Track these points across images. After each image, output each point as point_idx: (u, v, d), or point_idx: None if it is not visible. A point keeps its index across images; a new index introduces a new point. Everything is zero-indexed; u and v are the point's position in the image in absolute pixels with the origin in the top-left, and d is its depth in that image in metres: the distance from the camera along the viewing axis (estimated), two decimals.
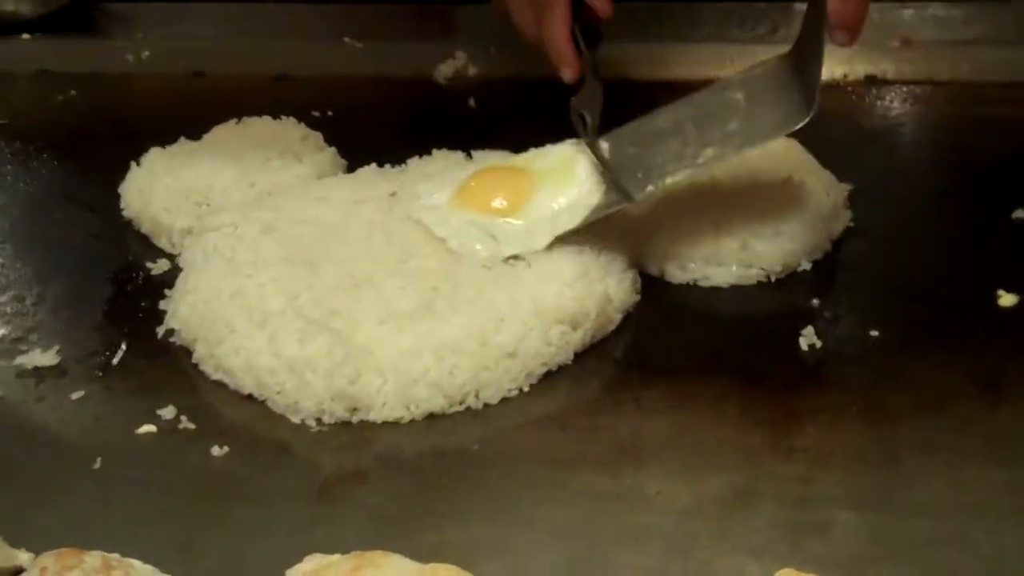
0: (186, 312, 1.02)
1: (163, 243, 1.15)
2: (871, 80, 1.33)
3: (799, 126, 0.97)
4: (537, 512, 0.85)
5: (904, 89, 1.32)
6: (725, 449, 0.89)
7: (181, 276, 1.06)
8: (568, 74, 1.15)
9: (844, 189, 1.11)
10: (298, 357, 0.94)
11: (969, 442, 0.88)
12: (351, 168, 1.19)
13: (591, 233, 1.03)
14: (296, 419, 0.94)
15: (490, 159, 1.12)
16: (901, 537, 0.81)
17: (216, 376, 0.98)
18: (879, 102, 1.30)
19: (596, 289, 1.00)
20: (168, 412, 0.95)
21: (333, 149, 1.22)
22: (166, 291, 1.06)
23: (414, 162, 1.15)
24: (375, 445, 0.92)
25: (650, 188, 1.02)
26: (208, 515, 0.86)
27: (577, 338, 0.98)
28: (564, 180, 1.05)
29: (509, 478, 0.88)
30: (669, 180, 1.02)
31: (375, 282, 0.99)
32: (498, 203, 1.04)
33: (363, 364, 0.93)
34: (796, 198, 1.07)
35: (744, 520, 0.83)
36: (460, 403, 0.94)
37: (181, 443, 0.93)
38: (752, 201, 1.06)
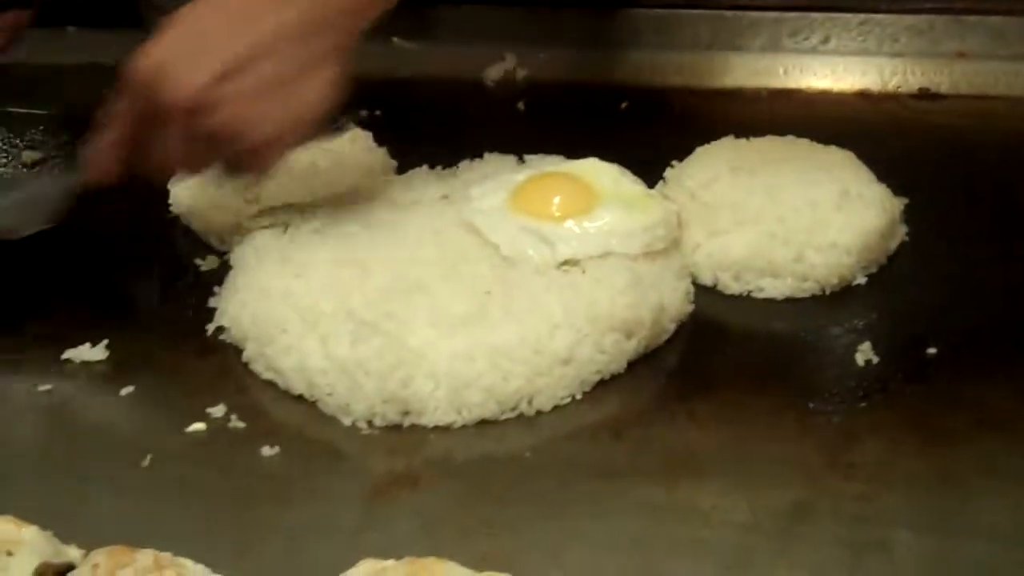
0: (236, 311, 1.01)
1: (212, 240, 1.14)
2: (925, 93, 1.32)
3: None
4: (591, 523, 0.84)
5: (959, 103, 1.30)
6: (782, 464, 0.88)
7: (231, 274, 1.06)
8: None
9: (900, 203, 1.10)
10: (350, 359, 0.93)
11: None
12: (401, 169, 1.19)
13: (643, 244, 1.02)
14: (347, 421, 0.93)
15: (543, 164, 1.12)
16: (961, 560, 0.80)
17: (266, 376, 0.98)
18: (934, 116, 1.29)
19: (650, 298, 0.99)
20: (218, 411, 0.94)
21: (383, 150, 1.21)
22: (215, 288, 1.06)
23: (465, 165, 1.15)
24: (426, 449, 0.91)
25: None
26: (259, 516, 0.86)
27: (631, 347, 0.97)
28: (626, 202, 1.05)
29: (562, 487, 0.87)
30: None
31: (428, 286, 0.98)
32: (555, 208, 1.03)
33: (415, 368, 0.93)
34: (852, 211, 1.05)
35: (802, 537, 0.82)
36: (512, 409, 0.93)
37: (231, 442, 0.92)
38: (808, 214, 1.05)
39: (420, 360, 0.93)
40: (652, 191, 1.10)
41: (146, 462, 0.90)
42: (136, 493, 0.88)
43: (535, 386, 0.93)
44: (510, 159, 1.15)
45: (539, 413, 0.94)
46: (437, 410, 0.92)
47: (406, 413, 0.93)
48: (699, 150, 1.15)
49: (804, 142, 1.14)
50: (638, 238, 1.02)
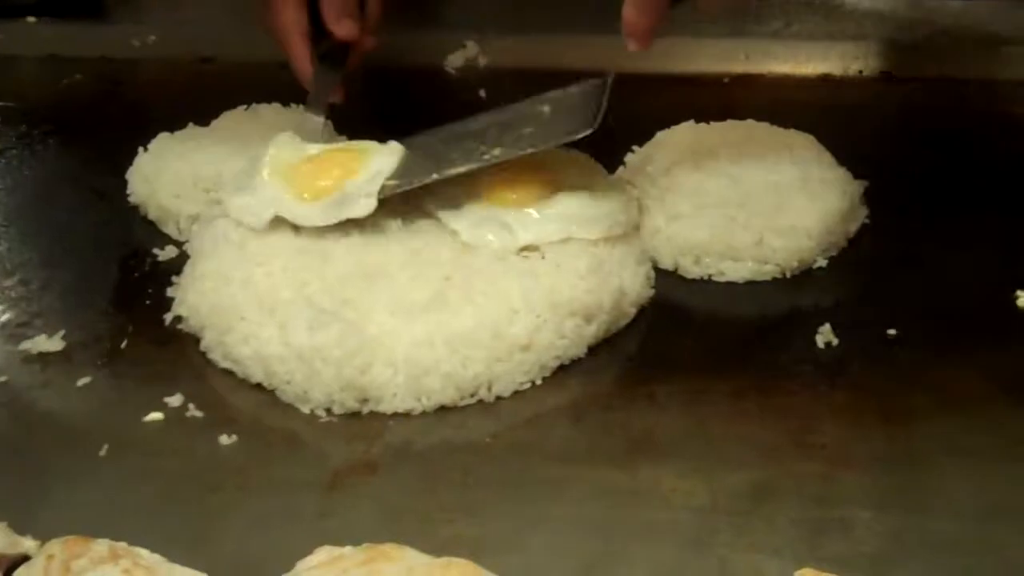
0: (194, 299, 1.01)
1: (170, 229, 1.13)
2: (887, 76, 1.32)
3: (578, 137, 1.01)
4: (551, 507, 0.84)
5: (920, 86, 1.30)
6: (743, 446, 0.88)
7: (189, 263, 1.05)
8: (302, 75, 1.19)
9: (860, 186, 1.10)
10: (308, 346, 0.92)
11: (991, 442, 0.87)
12: None
13: (603, 229, 1.02)
14: (305, 409, 0.93)
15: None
16: (922, 538, 0.80)
17: (224, 364, 0.97)
18: (895, 99, 1.29)
19: (610, 282, 0.98)
20: (176, 400, 0.94)
21: (343, 138, 1.21)
22: (173, 278, 1.05)
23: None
24: (386, 436, 0.90)
25: (434, 176, 1.03)
26: (217, 505, 0.85)
27: (591, 331, 0.97)
28: (587, 188, 1.04)
29: (522, 472, 0.87)
30: (452, 172, 1.03)
31: (387, 272, 0.98)
32: (515, 195, 1.02)
33: (374, 354, 0.92)
34: (812, 194, 1.05)
35: (763, 518, 0.82)
36: (472, 395, 0.93)
37: (189, 431, 0.91)
38: (768, 197, 1.05)
39: (378, 347, 0.92)
40: (612, 176, 1.10)
41: (103, 452, 0.89)
42: (92, 483, 0.87)
43: (494, 372, 0.93)
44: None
45: (499, 399, 0.93)
46: (396, 397, 0.92)
47: (365, 400, 0.92)
48: (659, 135, 1.15)
49: (764, 126, 1.15)
50: (598, 223, 1.02)
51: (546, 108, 1.06)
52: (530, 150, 1.02)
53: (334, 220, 1.01)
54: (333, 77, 1.19)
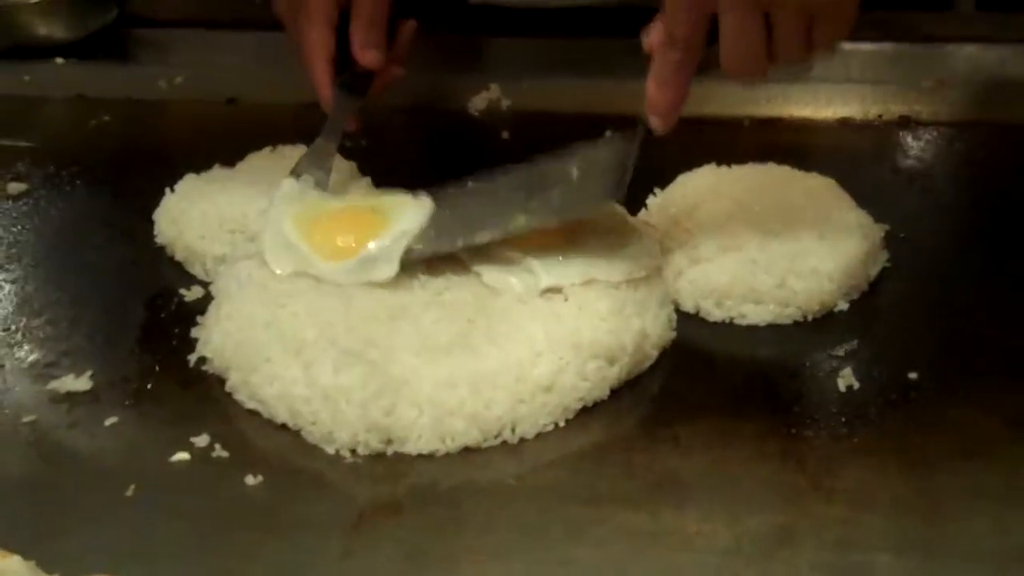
0: (219, 340, 1.02)
1: (197, 270, 1.14)
2: (905, 120, 1.33)
3: (600, 209, 1.03)
4: (574, 550, 0.84)
5: (939, 130, 1.31)
6: (765, 489, 0.88)
7: (214, 304, 1.06)
8: (322, 99, 1.22)
9: (881, 229, 1.11)
10: (333, 387, 0.93)
11: (1011, 485, 0.87)
12: None
13: (625, 271, 1.03)
14: (330, 450, 0.93)
15: None
16: None
17: (250, 405, 0.98)
18: (914, 143, 1.30)
19: (632, 324, 0.99)
20: (202, 440, 0.94)
21: (367, 179, 1.22)
22: (198, 318, 1.06)
23: None
24: (410, 477, 0.91)
25: (459, 243, 1.03)
26: (242, 546, 0.85)
27: (613, 373, 0.97)
28: (609, 230, 1.06)
29: (546, 514, 0.87)
30: (477, 240, 1.03)
31: (411, 313, 0.99)
32: (538, 238, 1.03)
33: (398, 396, 0.93)
34: (833, 238, 1.06)
35: (784, 561, 0.82)
36: (496, 437, 0.93)
37: (215, 472, 0.92)
38: (790, 240, 1.05)
39: (403, 388, 0.93)
40: (634, 218, 1.11)
41: (129, 492, 0.90)
42: (119, 523, 0.88)
43: (518, 413, 0.93)
44: None
45: (522, 440, 0.94)
46: (420, 438, 0.92)
47: (389, 441, 0.93)
48: (681, 178, 1.15)
49: (785, 169, 1.15)
50: (620, 266, 1.03)
51: (574, 170, 1.04)
52: (555, 220, 1.03)
53: (355, 282, 1.02)
54: (352, 105, 1.21)
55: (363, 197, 1.14)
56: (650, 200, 1.15)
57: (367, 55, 1.20)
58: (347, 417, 0.92)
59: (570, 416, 0.96)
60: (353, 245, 1.04)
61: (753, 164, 1.16)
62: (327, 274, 1.03)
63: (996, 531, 0.84)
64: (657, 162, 1.15)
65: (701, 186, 1.14)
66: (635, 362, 0.99)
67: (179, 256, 1.16)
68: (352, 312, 0.99)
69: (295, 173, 1.13)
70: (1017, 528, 0.84)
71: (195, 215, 1.15)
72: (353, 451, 0.93)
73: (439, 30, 1.40)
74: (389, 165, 1.24)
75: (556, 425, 0.95)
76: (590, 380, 0.96)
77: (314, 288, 1.02)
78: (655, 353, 1.01)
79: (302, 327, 0.98)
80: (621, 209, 1.10)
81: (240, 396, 0.99)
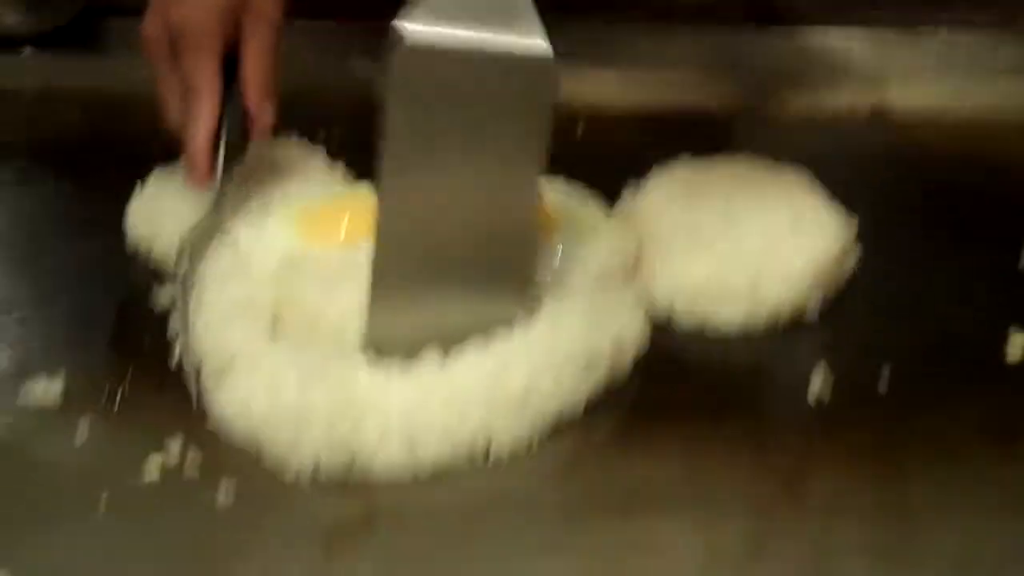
0: (195, 336, 1.00)
1: (171, 267, 1.12)
2: (878, 112, 1.32)
3: None
4: (550, 563, 0.84)
5: (912, 123, 1.30)
6: (738, 498, 0.88)
7: (192, 296, 1.04)
8: (199, 184, 1.08)
9: (853, 225, 1.10)
10: (297, 405, 0.91)
11: (984, 493, 0.88)
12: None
13: (600, 272, 1.02)
14: (291, 469, 0.91)
15: None
16: None
17: (217, 412, 0.96)
18: (886, 136, 1.29)
19: (609, 327, 0.98)
20: (174, 451, 0.93)
21: (341, 167, 1.21)
22: (174, 315, 1.05)
23: None
24: (381, 495, 0.90)
25: None
26: (214, 566, 0.85)
27: (591, 381, 0.96)
28: (584, 228, 1.05)
29: (522, 528, 0.87)
30: None
31: None
32: None
33: (364, 412, 0.91)
34: (806, 236, 1.06)
35: (759, 571, 0.83)
36: (468, 452, 0.92)
37: (186, 487, 0.91)
38: (762, 238, 1.05)
39: (369, 405, 0.91)
40: (610, 215, 1.10)
41: (101, 506, 0.89)
42: (90, 539, 0.87)
43: (491, 427, 0.92)
44: None
45: (496, 454, 0.93)
46: (388, 455, 0.90)
47: (354, 460, 0.91)
48: (653, 173, 1.15)
49: (758, 164, 1.15)
50: (596, 266, 1.02)
51: None
52: None
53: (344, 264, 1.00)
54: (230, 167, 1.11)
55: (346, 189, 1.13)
56: (624, 194, 1.14)
57: (265, 110, 1.08)
58: (310, 435, 0.90)
59: (545, 430, 0.94)
60: (346, 232, 1.03)
61: (725, 159, 1.16)
62: (318, 260, 1.01)
63: (969, 539, 0.84)
64: (630, 152, 1.15)
65: (675, 181, 1.13)
66: (612, 367, 0.98)
67: (153, 253, 1.15)
68: (322, 322, 0.97)
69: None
70: (991, 536, 0.85)
71: (168, 210, 1.14)
72: (318, 469, 0.91)
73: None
74: (368, 156, 1.23)
75: (530, 442, 0.94)
76: (566, 389, 0.95)
77: (297, 279, 1.01)
78: (630, 358, 1.00)
79: (267, 335, 0.97)
80: (597, 205, 1.09)
81: (210, 399, 0.97)
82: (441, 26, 0.87)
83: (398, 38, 0.86)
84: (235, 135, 1.09)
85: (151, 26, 1.10)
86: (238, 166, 1.11)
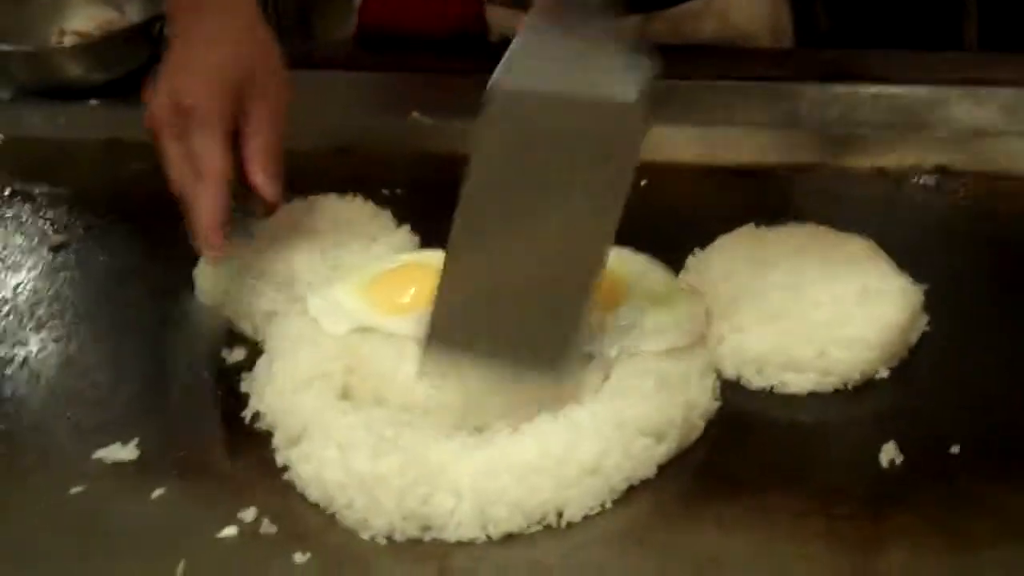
0: (270, 398, 1.02)
1: (245, 327, 1.14)
2: (942, 171, 1.31)
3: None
4: None
5: (977, 182, 1.29)
6: (807, 570, 0.89)
7: (264, 358, 1.07)
8: (212, 259, 1.12)
9: (920, 292, 1.10)
10: (369, 474, 0.93)
11: None
12: (424, 246, 1.19)
13: (670, 342, 1.03)
14: (366, 536, 0.93)
15: None
16: None
17: (286, 476, 0.98)
18: (951, 195, 1.28)
19: (678, 397, 0.99)
20: (249, 513, 0.94)
21: (406, 227, 1.22)
22: (244, 374, 1.07)
23: None
24: (453, 560, 0.91)
25: None
26: None
27: (661, 451, 0.97)
28: (654, 296, 1.05)
29: None
30: None
31: None
32: None
33: (436, 483, 0.92)
34: (873, 305, 1.06)
35: None
36: (539, 522, 0.92)
37: (263, 548, 0.92)
38: (829, 308, 1.05)
39: (440, 476, 0.92)
40: (680, 282, 1.11)
41: (180, 569, 0.90)
42: None
43: (562, 498, 0.92)
44: None
45: (568, 524, 0.93)
46: (460, 526, 0.91)
47: (427, 528, 0.92)
48: (720, 239, 1.15)
49: (824, 230, 1.15)
50: (665, 335, 1.03)
51: None
52: None
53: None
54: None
55: (414, 255, 1.14)
56: (689, 261, 1.15)
57: (270, 187, 1.11)
58: (383, 505, 0.92)
59: (616, 496, 0.95)
60: (414, 301, 1.03)
61: (791, 225, 1.16)
62: (387, 327, 1.03)
63: None
64: (693, 217, 1.15)
65: (740, 248, 1.14)
66: (683, 435, 0.98)
67: (224, 312, 1.16)
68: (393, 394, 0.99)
69: None
70: None
71: (237, 270, 1.15)
72: (389, 538, 0.92)
73: (463, 71, 1.40)
74: (428, 213, 1.23)
75: (602, 506, 0.94)
76: (636, 459, 0.95)
77: (367, 345, 1.03)
78: (702, 424, 1.00)
79: (343, 406, 0.99)
80: (667, 272, 1.10)
81: (279, 459, 0.99)
82: (535, 74, 0.89)
83: (494, 82, 0.88)
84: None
85: (158, 106, 1.12)
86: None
